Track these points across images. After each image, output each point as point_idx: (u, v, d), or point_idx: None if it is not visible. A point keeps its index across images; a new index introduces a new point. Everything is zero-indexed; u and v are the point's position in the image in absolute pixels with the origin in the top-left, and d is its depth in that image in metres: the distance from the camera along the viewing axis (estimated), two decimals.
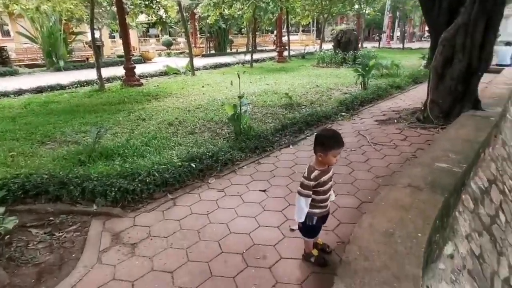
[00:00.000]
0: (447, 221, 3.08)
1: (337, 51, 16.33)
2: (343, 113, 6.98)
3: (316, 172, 2.27)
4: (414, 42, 38.74)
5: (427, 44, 32.25)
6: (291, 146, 5.24)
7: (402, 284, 1.93)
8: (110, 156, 4.50)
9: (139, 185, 3.57)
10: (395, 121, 6.36)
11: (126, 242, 2.90)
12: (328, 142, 2.20)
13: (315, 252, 2.55)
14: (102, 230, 3.07)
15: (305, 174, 2.31)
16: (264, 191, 3.77)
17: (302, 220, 2.38)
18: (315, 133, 2.35)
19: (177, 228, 3.10)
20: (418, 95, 8.93)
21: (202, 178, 4.12)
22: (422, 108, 6.40)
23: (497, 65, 12.19)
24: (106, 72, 12.76)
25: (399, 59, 14.23)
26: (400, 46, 30.30)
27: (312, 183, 2.27)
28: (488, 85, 8.56)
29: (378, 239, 2.33)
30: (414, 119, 6.21)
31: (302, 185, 2.31)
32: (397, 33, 38.34)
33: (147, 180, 3.65)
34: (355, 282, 1.94)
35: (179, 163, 4.07)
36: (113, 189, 3.45)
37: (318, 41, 25.44)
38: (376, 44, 31.74)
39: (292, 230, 2.98)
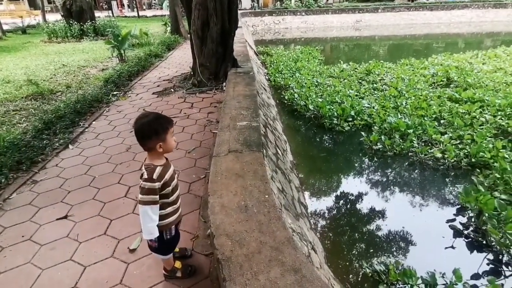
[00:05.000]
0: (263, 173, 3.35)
1: (70, 22, 13.95)
2: (114, 92, 6.13)
3: (158, 169, 1.78)
4: (145, 10, 39.06)
5: (159, 12, 33.48)
6: (70, 146, 4.08)
7: (284, 252, 1.92)
8: None
9: None
10: (172, 90, 6.24)
11: None
12: (160, 125, 1.76)
13: (178, 264, 2.11)
14: None
15: (146, 176, 1.74)
16: (65, 217, 2.75)
17: (156, 235, 1.85)
18: (135, 129, 1.75)
19: None
20: (178, 61, 9.14)
21: None
22: (192, 73, 6.59)
23: None
24: None
25: (144, 28, 13.92)
26: (134, 14, 29.83)
27: (157, 184, 1.76)
28: None
29: (238, 218, 2.20)
30: (189, 85, 6.31)
31: (144, 191, 1.74)
32: (126, 1, 37.32)
33: None
34: (247, 278, 1.75)
35: None
36: None
37: (35, 11, 20.82)
38: (107, 13, 29.65)
39: (133, 250, 2.35)
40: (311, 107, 6.63)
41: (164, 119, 1.81)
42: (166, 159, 1.89)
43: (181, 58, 9.57)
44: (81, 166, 3.59)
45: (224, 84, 5.87)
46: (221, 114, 4.09)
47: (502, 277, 2.89)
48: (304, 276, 1.73)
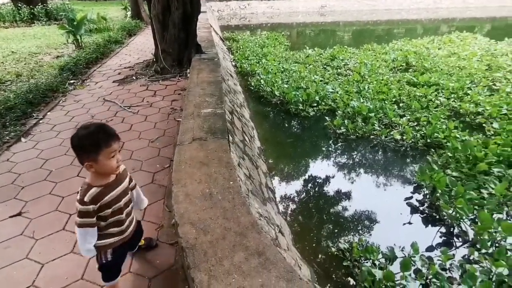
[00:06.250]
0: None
1: (19, 6, 12.90)
2: (71, 81, 5.78)
3: (93, 191, 1.54)
4: None
5: None
6: (23, 139, 3.82)
7: (248, 237, 1.94)
8: None
9: None
10: (134, 78, 6.00)
11: None
12: (91, 142, 1.48)
13: None
14: None
15: (79, 197, 1.54)
16: (19, 214, 2.59)
17: (90, 255, 1.67)
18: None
19: None
20: (140, 47, 8.77)
21: None
22: (154, 59, 6.36)
23: None
24: None
25: (102, 12, 13.17)
26: None
27: (91, 207, 1.54)
28: None
29: (202, 205, 2.19)
30: (152, 72, 6.09)
31: (78, 213, 1.55)
32: None
33: None
34: (212, 264, 1.76)
35: None
36: None
37: None
38: None
39: None
40: (277, 93, 6.65)
41: (101, 136, 1.50)
42: (116, 176, 1.64)
43: (143, 44, 9.20)
44: (35, 160, 3.38)
45: (188, 71, 5.73)
46: (185, 101, 4.00)
47: (454, 248, 3.12)
48: (268, 258, 1.76)
